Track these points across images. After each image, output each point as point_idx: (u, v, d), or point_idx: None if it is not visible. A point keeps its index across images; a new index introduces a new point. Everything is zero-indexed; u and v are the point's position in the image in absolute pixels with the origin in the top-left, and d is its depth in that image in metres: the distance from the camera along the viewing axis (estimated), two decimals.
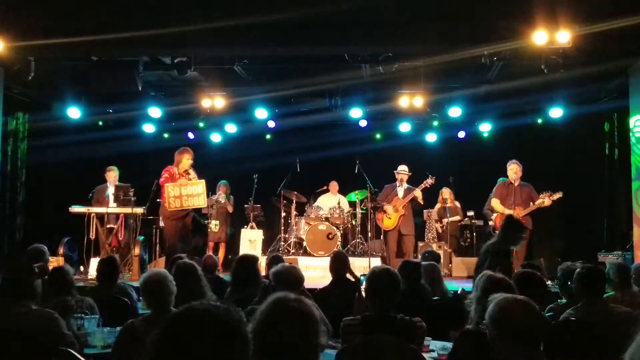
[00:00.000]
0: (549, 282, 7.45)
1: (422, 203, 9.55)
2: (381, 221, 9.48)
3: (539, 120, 10.93)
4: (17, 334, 3.13)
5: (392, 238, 9.39)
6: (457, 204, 10.48)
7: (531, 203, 8.29)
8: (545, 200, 8.24)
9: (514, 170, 8.35)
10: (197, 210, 10.25)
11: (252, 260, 4.87)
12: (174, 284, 3.56)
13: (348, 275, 5.67)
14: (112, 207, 8.93)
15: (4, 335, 3.14)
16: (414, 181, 9.63)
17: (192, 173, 8.30)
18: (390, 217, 9.37)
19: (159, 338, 1.48)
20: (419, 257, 7.68)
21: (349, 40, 7.74)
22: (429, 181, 9.36)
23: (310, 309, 2.03)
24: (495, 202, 8.50)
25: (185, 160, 8.30)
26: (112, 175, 9.47)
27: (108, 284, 5.09)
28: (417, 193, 9.31)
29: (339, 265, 5.41)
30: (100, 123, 11.26)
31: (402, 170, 9.57)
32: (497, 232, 8.50)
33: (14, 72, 8.37)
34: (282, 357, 1.93)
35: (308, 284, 4.19)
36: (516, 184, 8.34)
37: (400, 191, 9.49)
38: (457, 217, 10.33)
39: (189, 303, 1.57)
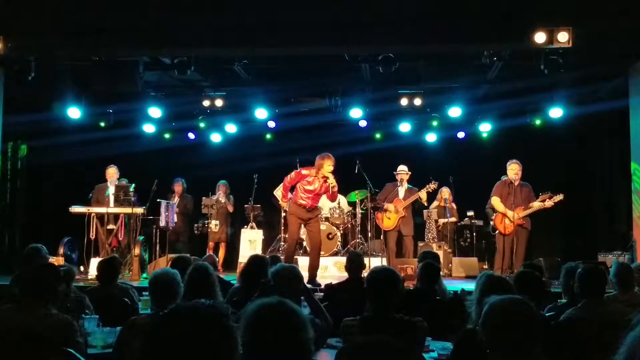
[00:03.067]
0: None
1: (425, 204, 9.59)
2: (380, 221, 9.48)
3: (539, 121, 10.92)
4: (34, 336, 3.13)
5: (392, 238, 9.39)
6: (454, 205, 10.48)
7: (530, 204, 8.30)
8: (546, 202, 8.25)
9: (514, 170, 8.34)
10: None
11: (260, 260, 4.91)
12: (181, 286, 3.57)
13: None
14: (112, 207, 8.92)
15: (21, 336, 3.14)
16: (414, 181, 9.63)
17: (331, 179, 7.84)
18: (390, 218, 9.37)
19: (146, 336, 1.55)
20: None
21: (349, 40, 7.73)
22: (432, 186, 9.36)
23: (291, 306, 2.08)
24: (495, 201, 8.49)
25: (327, 166, 7.85)
26: (112, 172, 9.45)
27: (109, 284, 5.10)
28: (422, 195, 9.32)
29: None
30: (102, 124, 11.25)
31: (402, 170, 9.57)
32: (497, 231, 8.57)
33: (14, 72, 8.37)
34: (273, 353, 1.98)
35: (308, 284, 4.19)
36: (516, 184, 8.34)
37: (401, 191, 9.47)
38: (453, 219, 10.32)
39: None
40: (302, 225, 8.18)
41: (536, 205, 8.27)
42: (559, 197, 8.26)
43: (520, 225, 8.27)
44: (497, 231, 8.54)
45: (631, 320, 1.26)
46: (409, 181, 9.60)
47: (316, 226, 8.11)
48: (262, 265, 4.77)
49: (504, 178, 8.65)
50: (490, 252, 9.95)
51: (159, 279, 3.56)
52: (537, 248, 9.90)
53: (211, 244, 10.22)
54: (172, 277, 3.57)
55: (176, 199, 10.26)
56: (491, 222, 9.11)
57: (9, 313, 3.40)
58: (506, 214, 8.29)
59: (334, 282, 5.86)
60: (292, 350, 2.02)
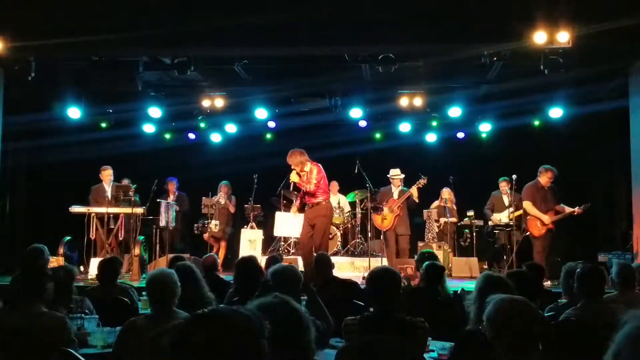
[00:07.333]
0: (548, 282, 7.48)
1: (417, 201, 9.58)
2: (378, 222, 9.53)
3: (539, 121, 10.92)
4: (28, 335, 3.16)
5: (391, 238, 9.42)
6: (454, 206, 10.47)
7: (557, 207, 8.51)
8: (576, 210, 8.54)
9: (549, 176, 8.49)
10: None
11: (251, 261, 4.90)
12: (179, 286, 3.56)
13: None
14: (112, 207, 8.91)
15: (16, 336, 3.16)
16: (413, 182, 9.64)
17: (293, 175, 7.81)
18: (386, 218, 9.41)
19: (176, 337, 1.47)
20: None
21: (349, 40, 7.73)
22: (421, 182, 9.41)
23: (294, 305, 2.07)
24: (527, 205, 8.55)
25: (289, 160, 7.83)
26: (107, 174, 9.40)
27: (109, 284, 5.09)
28: (413, 191, 9.38)
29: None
30: (104, 125, 11.25)
31: (395, 174, 9.70)
32: (528, 233, 8.61)
33: (14, 72, 8.37)
34: (274, 353, 1.98)
35: None
36: (547, 188, 8.46)
37: (396, 193, 9.63)
38: (454, 219, 10.31)
39: (215, 306, 1.56)
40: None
41: (567, 210, 8.53)
42: (587, 206, 8.60)
43: (550, 230, 8.46)
44: (528, 233, 8.60)
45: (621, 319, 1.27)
46: (403, 182, 9.68)
47: (319, 226, 7.76)
48: (253, 265, 4.78)
49: (513, 183, 8.76)
50: (490, 252, 9.97)
51: (155, 279, 3.55)
52: None
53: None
54: (170, 277, 3.55)
55: (171, 198, 10.23)
56: (490, 222, 9.15)
57: (4, 313, 3.45)
58: (541, 218, 8.42)
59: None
60: (295, 349, 2.01)
